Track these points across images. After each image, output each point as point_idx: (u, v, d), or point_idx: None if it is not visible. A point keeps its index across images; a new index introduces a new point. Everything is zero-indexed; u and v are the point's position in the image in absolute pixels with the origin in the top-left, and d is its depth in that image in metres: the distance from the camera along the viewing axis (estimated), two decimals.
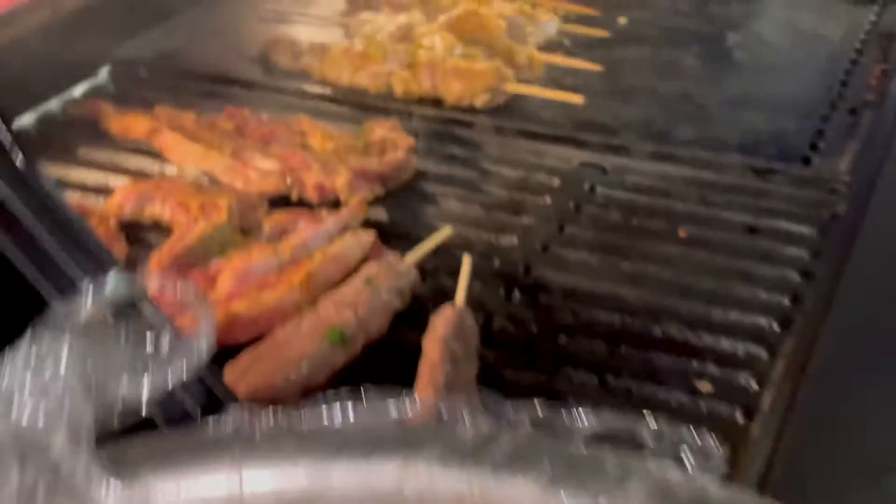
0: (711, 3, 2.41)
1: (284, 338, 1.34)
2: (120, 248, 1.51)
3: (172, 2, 2.25)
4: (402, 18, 2.16)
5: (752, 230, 1.63)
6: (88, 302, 0.75)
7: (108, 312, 0.76)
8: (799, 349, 1.36)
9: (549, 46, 2.18)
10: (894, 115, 1.84)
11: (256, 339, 1.33)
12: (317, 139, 1.79)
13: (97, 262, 0.79)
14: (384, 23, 2.15)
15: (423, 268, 1.51)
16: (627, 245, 1.60)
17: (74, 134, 1.85)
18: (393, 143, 1.76)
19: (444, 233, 1.57)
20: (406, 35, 2.11)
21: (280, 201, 1.67)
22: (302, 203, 1.67)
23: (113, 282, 0.77)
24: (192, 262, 1.48)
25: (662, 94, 2.02)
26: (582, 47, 2.19)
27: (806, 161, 1.78)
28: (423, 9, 2.22)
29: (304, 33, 2.19)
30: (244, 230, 1.59)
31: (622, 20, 2.31)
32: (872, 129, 1.83)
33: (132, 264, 1.49)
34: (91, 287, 0.77)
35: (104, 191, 1.69)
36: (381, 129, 1.81)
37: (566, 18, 2.27)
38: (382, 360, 1.36)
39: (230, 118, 1.84)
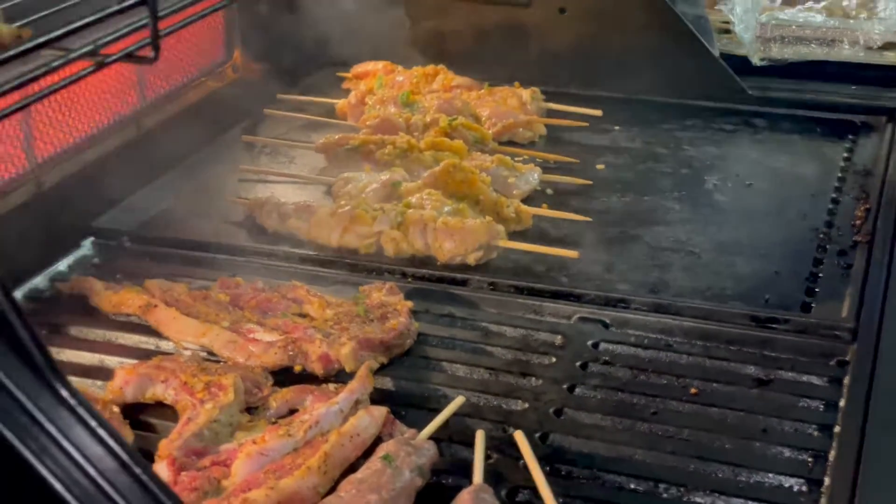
0: (685, 144, 2.44)
1: None
2: (126, 437, 1.45)
3: (149, 168, 2.23)
4: (384, 176, 2.15)
5: (762, 382, 1.62)
6: None
7: None
8: None
9: (533, 197, 2.18)
10: (886, 254, 1.85)
11: None
12: (314, 307, 1.76)
13: None
14: (367, 181, 2.15)
15: (437, 438, 1.47)
16: (640, 405, 1.58)
17: (64, 311, 1.81)
18: (392, 307, 1.74)
19: (456, 403, 1.54)
20: (390, 193, 2.11)
21: (282, 374, 1.64)
22: (305, 375, 1.64)
23: None
24: (201, 447, 1.44)
25: (653, 242, 2.02)
26: (565, 196, 2.20)
27: (806, 308, 1.79)
28: (405, 164, 2.21)
29: (286, 193, 2.18)
30: (249, 408, 1.55)
31: (600, 167, 2.33)
32: (867, 271, 1.84)
33: (141, 453, 1.44)
34: None
35: (100, 372, 1.64)
36: (377, 293, 1.78)
37: (546, 168, 2.28)
38: None
39: (224, 288, 1.81)
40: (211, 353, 1.68)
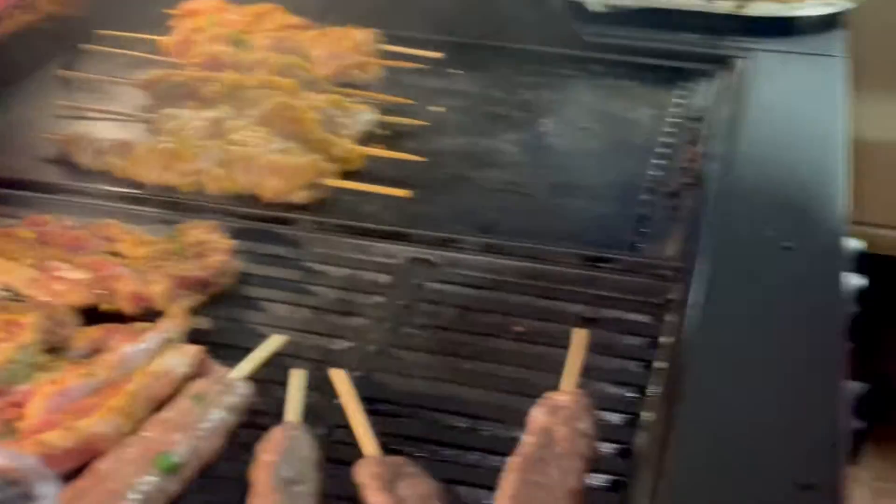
0: (521, 89, 2.40)
1: (107, 469, 1.22)
2: None
3: None
4: (209, 113, 2.06)
5: (588, 321, 1.60)
6: None
7: None
8: (651, 445, 1.33)
9: (368, 138, 2.12)
10: (711, 196, 1.85)
11: (75, 473, 1.22)
12: (127, 245, 1.67)
13: None
14: (190, 118, 2.05)
15: (256, 379, 1.42)
16: (465, 343, 1.55)
17: None
18: (211, 245, 1.66)
19: (274, 342, 1.48)
20: (216, 131, 2.02)
21: (91, 315, 1.55)
22: (116, 316, 1.55)
23: None
24: None
25: (486, 184, 1.99)
26: (401, 138, 2.14)
27: (633, 248, 1.78)
28: (232, 103, 2.12)
29: (105, 130, 2.07)
30: (52, 349, 1.46)
31: (438, 109, 2.28)
32: (693, 213, 1.84)
33: None
34: None
35: None
36: (196, 231, 1.70)
37: (382, 109, 2.22)
38: (220, 486, 1.27)
39: (31, 226, 1.70)
40: (13, 292, 1.58)
